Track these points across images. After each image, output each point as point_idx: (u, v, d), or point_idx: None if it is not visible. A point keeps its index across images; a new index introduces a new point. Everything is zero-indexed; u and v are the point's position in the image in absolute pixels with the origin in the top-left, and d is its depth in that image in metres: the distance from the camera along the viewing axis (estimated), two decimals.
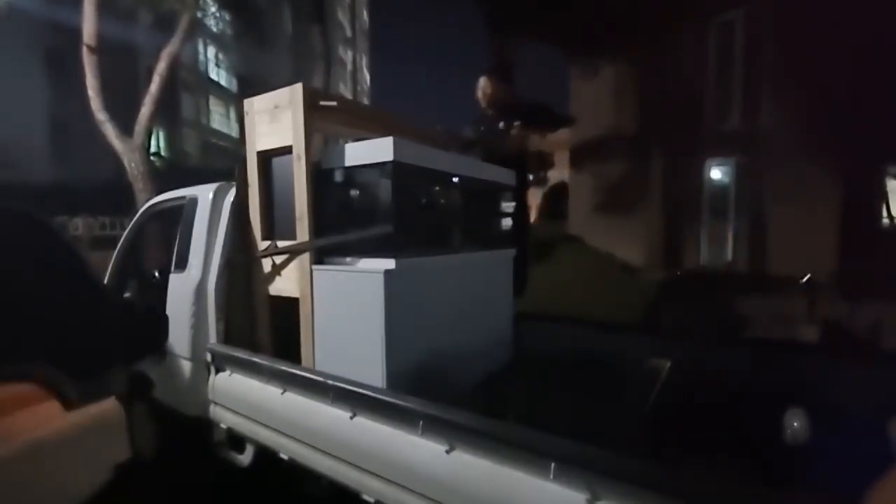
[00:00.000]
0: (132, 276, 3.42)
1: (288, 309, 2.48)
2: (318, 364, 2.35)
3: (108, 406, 2.28)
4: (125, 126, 7.26)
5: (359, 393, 1.80)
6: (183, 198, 3.00)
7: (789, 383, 2.08)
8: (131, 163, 7.11)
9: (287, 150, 2.40)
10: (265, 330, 2.63)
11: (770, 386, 2.10)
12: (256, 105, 2.53)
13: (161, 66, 7.21)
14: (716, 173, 10.13)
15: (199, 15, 8.01)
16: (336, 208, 2.36)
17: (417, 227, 2.34)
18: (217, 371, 2.56)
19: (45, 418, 2.00)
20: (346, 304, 2.22)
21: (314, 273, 2.34)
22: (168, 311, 2.90)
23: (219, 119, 24.98)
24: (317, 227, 2.35)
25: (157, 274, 3.27)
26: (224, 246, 2.70)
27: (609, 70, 10.57)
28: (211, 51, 23.61)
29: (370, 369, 2.11)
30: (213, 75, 24.51)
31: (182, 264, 2.83)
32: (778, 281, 6.38)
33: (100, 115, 6.97)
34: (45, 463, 1.93)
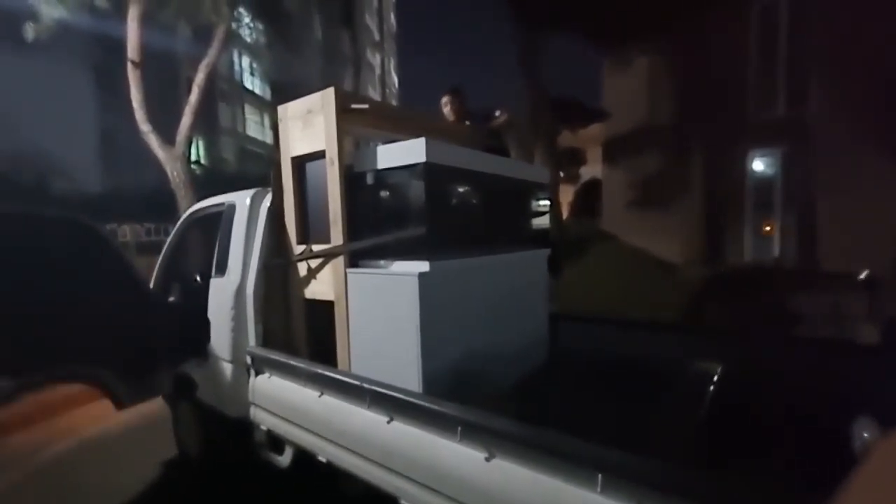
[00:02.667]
0: (176, 280, 3.54)
1: (324, 312, 2.50)
2: (353, 366, 2.35)
3: (156, 405, 2.38)
4: (167, 136, 7.59)
5: (396, 397, 1.79)
6: (222, 204, 3.08)
7: (850, 387, 1.93)
8: (173, 171, 7.43)
9: (320, 155, 2.42)
10: (301, 333, 2.67)
11: (830, 390, 1.95)
12: (290, 111, 2.56)
13: (199, 78, 7.50)
14: (760, 165, 9.64)
15: (233, 26, 8.28)
16: (369, 211, 2.35)
17: (451, 228, 2.30)
18: (257, 373, 2.61)
19: (99, 417, 2.09)
20: (381, 307, 2.21)
21: (349, 276, 2.35)
22: (210, 315, 2.98)
23: (254, 126, 25.77)
24: (351, 231, 2.36)
25: (198, 278, 3.37)
26: (261, 250, 2.75)
27: (643, 58, 10.23)
28: (245, 60, 24.38)
29: (406, 372, 2.09)
30: (248, 84, 25.30)
31: (222, 269, 2.90)
32: (832, 277, 5.99)
33: (144, 126, 7.31)
34: (99, 459, 2.02)
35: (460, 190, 2.42)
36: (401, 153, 2.19)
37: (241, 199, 2.94)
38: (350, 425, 1.97)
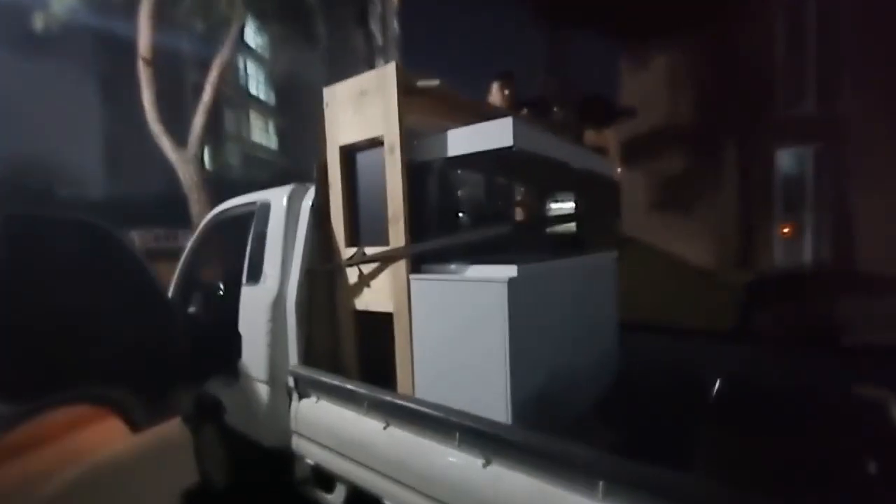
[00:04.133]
0: (198, 289, 3.22)
1: (379, 325, 2.15)
2: (418, 391, 2.00)
3: (173, 427, 2.13)
4: (178, 138, 7.28)
5: (500, 437, 1.43)
6: (253, 203, 2.74)
7: None
8: (186, 174, 7.10)
9: (376, 143, 2.09)
10: (352, 350, 2.31)
11: None
12: (339, 93, 2.22)
13: (213, 76, 7.19)
14: (790, 163, 9.29)
15: (246, 23, 8.00)
16: (437, 207, 2.00)
17: (538, 225, 1.96)
18: (301, 397, 2.26)
19: (111, 440, 1.84)
20: (456, 320, 1.86)
21: (412, 283, 1.99)
22: (241, 328, 2.64)
23: (259, 132, 25.57)
24: (413, 230, 2.01)
25: (223, 286, 3.05)
26: (303, 255, 2.40)
27: (665, 53, 9.89)
28: (251, 65, 24.19)
29: (489, 398, 1.74)
30: (253, 90, 25.10)
31: (255, 276, 2.55)
32: (888, 280, 5.61)
33: (155, 127, 6.99)
34: (112, 486, 1.78)
35: (546, 182, 2.08)
36: (480, 137, 1.84)
37: (276, 197, 2.59)
38: (430, 466, 1.62)
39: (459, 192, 1.95)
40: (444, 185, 1.99)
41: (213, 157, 20.22)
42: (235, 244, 2.87)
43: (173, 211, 8.34)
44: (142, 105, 6.96)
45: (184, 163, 7.07)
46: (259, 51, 22.40)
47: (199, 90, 7.40)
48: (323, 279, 2.37)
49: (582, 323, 2.33)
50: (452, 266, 1.96)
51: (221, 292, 3.07)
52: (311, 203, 2.44)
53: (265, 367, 2.44)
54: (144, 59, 6.79)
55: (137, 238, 9.06)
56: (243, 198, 2.94)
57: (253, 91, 25.12)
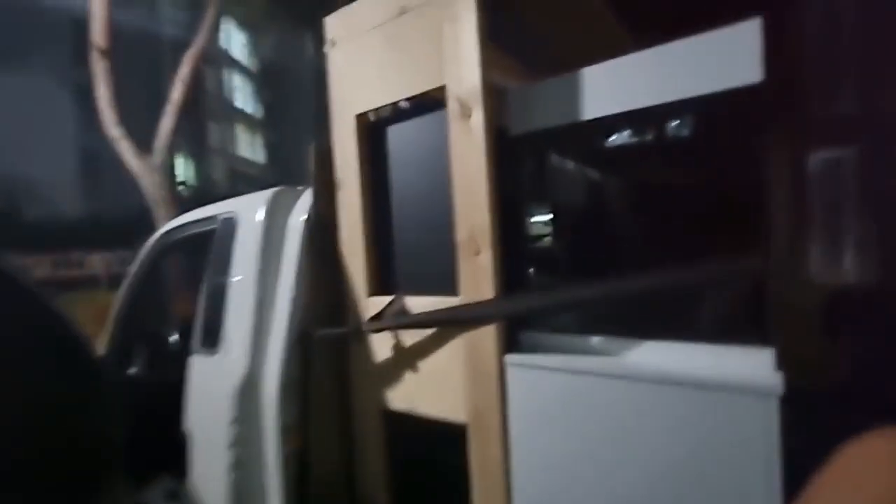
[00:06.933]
0: (141, 341, 2.25)
1: (432, 442, 1.15)
2: None
3: None
4: (145, 145, 6.21)
5: None
6: (212, 219, 1.73)
7: None
8: (150, 185, 5.99)
9: (428, 105, 1.11)
10: (379, 485, 1.28)
11: None
12: (354, 20, 1.24)
13: (184, 71, 6.15)
14: (826, 168, 8.53)
15: (223, 9, 6.99)
16: (562, 224, 1.02)
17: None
18: None
19: None
20: (617, 455, 0.86)
21: (510, 373, 1.00)
22: (189, 424, 1.61)
23: (245, 146, 24.50)
24: (508, 268, 1.02)
25: (175, 340, 2.11)
26: (293, 308, 1.37)
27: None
28: (237, 79, 23.24)
29: None
30: (239, 103, 24.07)
31: (211, 340, 1.53)
32: None
33: (113, 130, 5.89)
34: None
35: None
36: (678, 68, 0.87)
37: (246, 209, 1.58)
38: None
39: (639, 187, 0.98)
40: (572, 180, 1.00)
41: (197, 173, 19.07)
42: (190, 278, 1.87)
43: (145, 230, 7.24)
44: (97, 106, 5.88)
45: (148, 172, 5.96)
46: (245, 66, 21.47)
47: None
48: (329, 352, 1.34)
49: None
50: (594, 341, 0.97)
51: (171, 347, 2.15)
52: (305, 218, 1.43)
53: (224, 498, 1.40)
54: (99, 49, 5.73)
55: (99, 262, 7.89)
56: (201, 210, 1.93)
57: (239, 105, 24.11)
